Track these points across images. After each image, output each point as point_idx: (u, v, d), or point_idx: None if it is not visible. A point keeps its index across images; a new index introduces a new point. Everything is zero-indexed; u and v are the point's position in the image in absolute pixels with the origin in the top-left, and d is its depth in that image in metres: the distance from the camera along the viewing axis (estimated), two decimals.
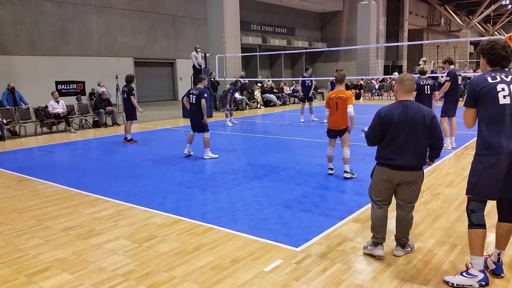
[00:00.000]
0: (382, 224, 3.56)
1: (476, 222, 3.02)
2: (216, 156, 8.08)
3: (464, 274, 3.02)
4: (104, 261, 3.70)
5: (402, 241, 3.60)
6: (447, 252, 3.67)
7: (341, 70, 11.56)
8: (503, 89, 2.93)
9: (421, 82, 7.76)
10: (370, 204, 4.93)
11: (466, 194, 3.10)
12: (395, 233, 3.65)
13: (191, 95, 8.09)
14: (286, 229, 4.31)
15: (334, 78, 6.83)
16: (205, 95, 7.92)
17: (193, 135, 8.27)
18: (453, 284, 3.05)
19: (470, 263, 3.04)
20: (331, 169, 6.52)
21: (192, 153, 8.35)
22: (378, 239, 3.56)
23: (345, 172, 6.25)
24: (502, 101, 2.92)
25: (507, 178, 2.92)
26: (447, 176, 6.26)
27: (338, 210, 4.88)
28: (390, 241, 3.79)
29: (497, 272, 3.14)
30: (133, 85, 10.46)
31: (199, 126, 8.04)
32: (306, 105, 13.70)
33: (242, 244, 3.95)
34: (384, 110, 3.46)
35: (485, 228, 3.03)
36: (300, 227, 4.36)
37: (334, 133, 6.32)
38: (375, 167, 3.59)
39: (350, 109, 6.04)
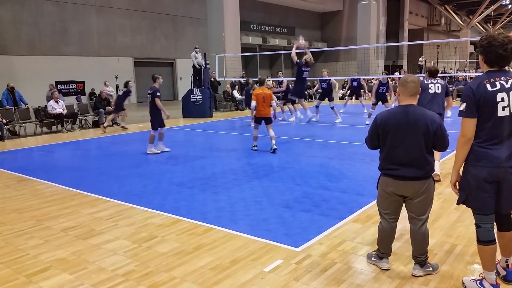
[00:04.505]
0: (389, 239, 3.34)
1: (482, 238, 2.88)
2: (159, 151, 8.52)
3: (478, 283, 2.96)
4: (104, 261, 3.69)
5: (420, 258, 3.24)
6: (448, 252, 3.66)
7: (280, 71, 12.37)
8: (502, 99, 2.69)
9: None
10: (370, 204, 4.95)
11: (456, 204, 2.98)
12: (412, 251, 3.30)
13: (148, 95, 8.61)
14: (286, 229, 4.31)
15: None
16: (158, 93, 8.51)
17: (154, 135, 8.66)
18: (465, 287, 3.04)
19: (482, 274, 2.99)
20: (255, 146, 8.77)
21: (167, 149, 8.78)
22: (383, 254, 3.40)
23: (274, 145, 8.48)
24: (500, 113, 2.70)
25: (500, 192, 2.79)
26: (447, 176, 6.24)
27: (338, 210, 4.87)
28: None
29: (508, 278, 3.08)
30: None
31: (151, 122, 8.58)
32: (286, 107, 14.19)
33: (242, 244, 3.95)
34: (382, 115, 3.20)
35: (494, 244, 2.87)
36: (300, 227, 4.35)
37: (261, 120, 8.51)
38: (379, 177, 3.33)
39: (274, 103, 8.87)
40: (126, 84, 12.78)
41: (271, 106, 8.55)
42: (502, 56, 2.73)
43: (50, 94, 14.09)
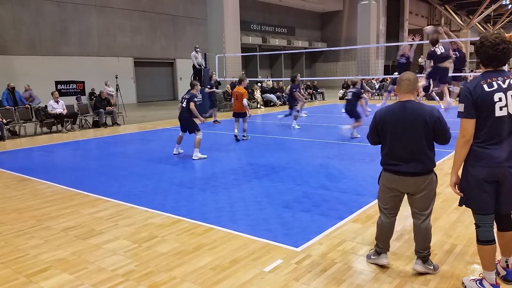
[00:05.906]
0: (388, 234, 3.37)
1: (482, 238, 2.88)
2: (205, 156, 8.05)
3: (477, 283, 2.96)
4: (104, 261, 3.70)
5: (422, 254, 3.24)
6: (448, 252, 3.66)
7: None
8: (500, 99, 2.70)
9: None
10: (370, 204, 4.96)
11: (458, 205, 2.98)
12: (414, 246, 3.31)
13: (183, 99, 8.34)
14: (286, 229, 4.31)
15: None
16: (195, 99, 8.32)
17: (182, 136, 8.46)
18: (465, 287, 3.04)
19: (482, 274, 2.98)
20: (236, 136, 10.02)
21: (181, 151, 8.54)
22: (381, 249, 3.41)
23: (243, 136, 9.94)
24: (498, 113, 2.70)
25: (500, 192, 2.80)
26: (447, 176, 6.22)
27: (338, 210, 4.87)
28: (392, 241, 3.78)
29: (508, 278, 3.08)
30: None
31: (190, 127, 8.23)
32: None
33: (242, 244, 3.95)
34: (381, 112, 3.25)
35: (494, 244, 2.87)
36: (300, 227, 4.36)
37: (237, 114, 9.97)
38: (381, 173, 3.35)
39: (245, 101, 9.62)
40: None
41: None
42: (493, 56, 2.73)
43: (28, 95, 13.94)
